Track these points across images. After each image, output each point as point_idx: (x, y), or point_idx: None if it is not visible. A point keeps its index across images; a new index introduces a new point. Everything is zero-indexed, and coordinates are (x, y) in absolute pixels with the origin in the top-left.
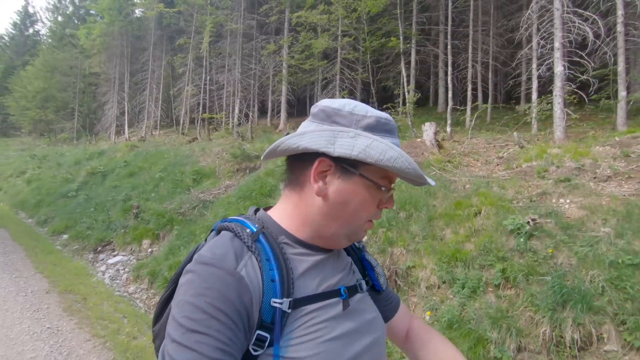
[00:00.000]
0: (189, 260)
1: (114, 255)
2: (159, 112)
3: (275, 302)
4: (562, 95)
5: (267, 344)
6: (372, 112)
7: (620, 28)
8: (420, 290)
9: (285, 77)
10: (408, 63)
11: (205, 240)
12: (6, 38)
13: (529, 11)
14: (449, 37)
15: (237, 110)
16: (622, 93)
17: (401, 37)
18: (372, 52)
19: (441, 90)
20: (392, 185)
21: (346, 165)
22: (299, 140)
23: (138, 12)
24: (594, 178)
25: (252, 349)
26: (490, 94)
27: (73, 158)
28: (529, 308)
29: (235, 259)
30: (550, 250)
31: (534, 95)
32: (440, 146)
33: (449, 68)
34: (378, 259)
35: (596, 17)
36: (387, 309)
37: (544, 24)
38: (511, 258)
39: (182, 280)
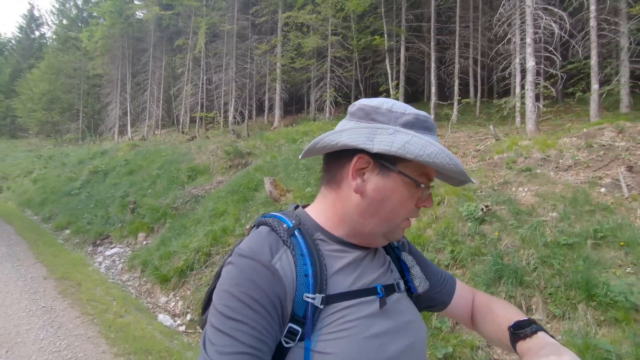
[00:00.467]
0: (231, 254)
1: (111, 248)
2: (160, 112)
3: (307, 297)
4: (533, 89)
5: (298, 337)
6: (410, 110)
7: (592, 23)
8: None
9: (279, 76)
10: (397, 60)
11: (248, 234)
12: (13, 42)
13: (500, 9)
14: (432, 33)
15: (232, 109)
16: (594, 86)
17: (385, 35)
18: (362, 50)
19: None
20: (431, 183)
21: (385, 162)
22: (337, 137)
23: (139, 13)
24: (556, 167)
25: (284, 340)
26: (479, 88)
27: (77, 158)
28: (470, 284)
29: (270, 252)
30: (496, 234)
31: (517, 89)
32: None
33: (432, 64)
34: None
35: (563, 14)
36: (443, 294)
37: (516, 20)
38: (463, 241)
39: (222, 271)
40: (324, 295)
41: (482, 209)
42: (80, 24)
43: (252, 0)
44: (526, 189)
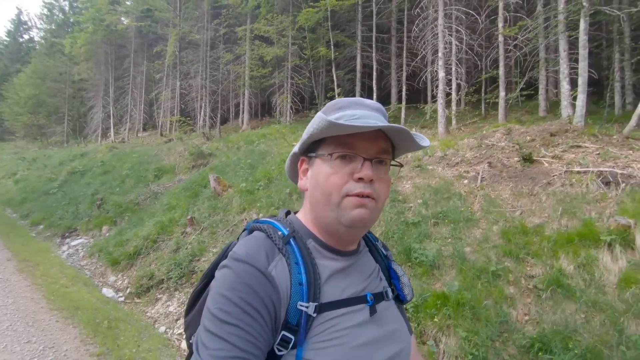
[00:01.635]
0: (222, 256)
1: (77, 239)
2: (142, 115)
3: (301, 306)
4: (443, 97)
5: (291, 345)
6: (330, 102)
7: (500, 38)
8: None
9: (247, 82)
10: (353, 68)
11: (238, 239)
12: (1, 46)
13: (414, 27)
14: (373, 44)
15: (202, 114)
16: (501, 93)
17: (332, 46)
18: (320, 59)
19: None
20: (355, 150)
21: (310, 154)
22: (292, 151)
23: (120, 20)
24: (447, 164)
25: (277, 348)
26: (404, 95)
27: (58, 159)
28: None
29: (266, 258)
30: None
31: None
32: None
33: (374, 73)
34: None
35: (464, 30)
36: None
37: (428, 36)
38: None
39: (217, 274)
40: (317, 303)
41: None
42: (67, 29)
43: (221, 11)
44: (410, 182)
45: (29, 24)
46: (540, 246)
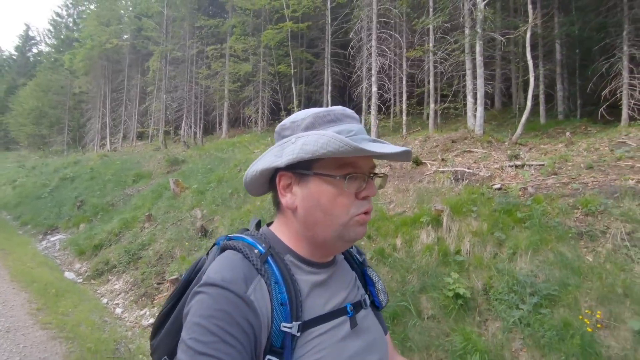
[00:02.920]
0: (192, 275)
1: (56, 235)
2: (135, 125)
3: (285, 327)
4: (375, 109)
5: None
6: (311, 112)
7: (431, 56)
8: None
9: (227, 95)
10: (322, 82)
11: (207, 254)
12: (9, 61)
13: (348, 49)
14: (327, 60)
15: (184, 124)
16: (431, 105)
17: (292, 62)
18: (287, 74)
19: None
20: (359, 169)
21: (301, 170)
22: (256, 166)
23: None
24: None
25: None
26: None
27: (53, 167)
28: None
29: (245, 282)
30: None
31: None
32: None
33: (329, 87)
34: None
35: (390, 50)
36: (382, 323)
37: (363, 55)
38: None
39: (192, 301)
40: (300, 322)
41: None
42: (73, 44)
43: (202, 30)
44: None
45: (37, 38)
46: (388, 228)
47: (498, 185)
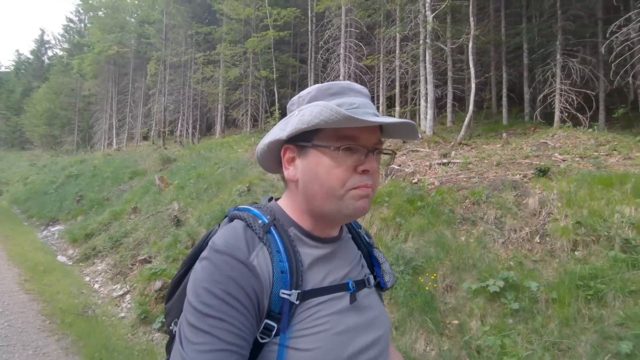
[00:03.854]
0: (203, 244)
1: (56, 226)
2: (140, 126)
3: (284, 293)
4: None
5: (274, 333)
6: (315, 86)
7: (397, 62)
8: (194, 225)
9: (220, 97)
10: (307, 85)
11: (219, 225)
12: (25, 64)
13: (318, 56)
14: (311, 67)
15: (179, 125)
16: (396, 108)
17: (274, 68)
18: (276, 78)
19: None
20: (358, 142)
21: (302, 142)
22: (263, 140)
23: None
24: None
25: (260, 336)
26: None
27: (61, 165)
28: None
29: (247, 248)
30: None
31: None
32: None
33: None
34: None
35: (354, 57)
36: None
37: (331, 62)
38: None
39: (197, 266)
40: (299, 291)
41: (248, 187)
42: (83, 48)
43: (200, 37)
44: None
45: (52, 42)
46: None
47: (415, 180)
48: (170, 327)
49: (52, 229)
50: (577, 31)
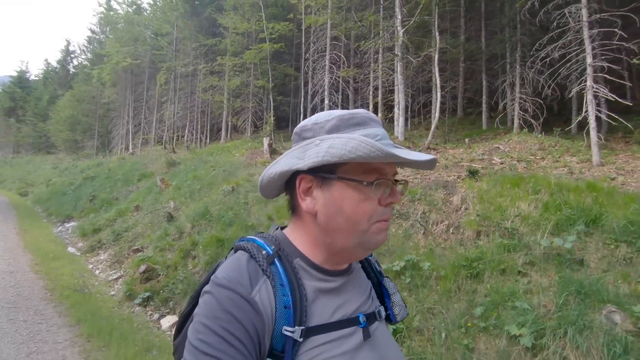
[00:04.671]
0: (209, 276)
1: (71, 222)
2: (155, 131)
3: (286, 330)
4: None
5: None
6: (335, 114)
7: (380, 72)
8: (183, 220)
9: (226, 105)
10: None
11: (226, 257)
12: (52, 73)
13: (304, 67)
14: (302, 75)
15: (187, 131)
16: (379, 114)
17: (270, 78)
18: (274, 87)
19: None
20: (385, 176)
21: (324, 174)
22: (274, 168)
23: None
24: None
25: None
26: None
27: (80, 168)
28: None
29: (250, 283)
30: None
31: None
32: (272, 152)
33: (302, 99)
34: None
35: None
36: None
37: (317, 73)
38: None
39: (200, 301)
40: (303, 327)
41: (232, 187)
42: (103, 59)
43: (206, 49)
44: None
45: (76, 52)
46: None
47: None
48: None
49: (67, 225)
50: (534, 43)
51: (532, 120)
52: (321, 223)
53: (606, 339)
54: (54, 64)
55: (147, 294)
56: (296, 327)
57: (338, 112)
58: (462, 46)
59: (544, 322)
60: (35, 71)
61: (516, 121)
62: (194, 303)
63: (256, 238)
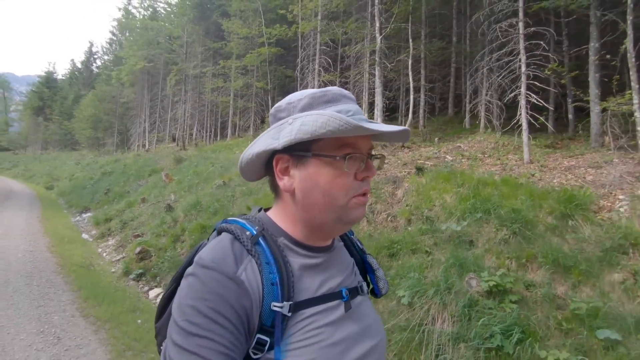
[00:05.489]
0: (190, 259)
1: (87, 213)
2: (168, 129)
3: (275, 306)
4: None
5: (267, 347)
6: (307, 93)
7: (366, 74)
8: (178, 211)
9: (231, 105)
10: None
11: (208, 239)
12: (77, 73)
13: (295, 71)
14: (297, 78)
15: (195, 129)
16: (365, 115)
17: (268, 81)
18: (275, 88)
19: None
20: (359, 150)
21: (299, 152)
22: (252, 149)
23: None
24: None
25: (252, 352)
26: None
27: (100, 164)
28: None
29: (235, 262)
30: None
31: None
32: None
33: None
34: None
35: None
36: None
37: (307, 77)
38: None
39: (183, 283)
40: (291, 302)
41: (224, 182)
42: (122, 60)
43: (213, 51)
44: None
45: (99, 54)
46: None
47: None
48: (161, 348)
49: (84, 215)
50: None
51: (495, 121)
52: (299, 200)
53: (462, 298)
54: (79, 64)
55: (140, 271)
56: (284, 303)
57: (310, 91)
58: (438, 51)
59: (422, 287)
60: (62, 71)
61: (482, 122)
62: (174, 285)
63: (239, 220)
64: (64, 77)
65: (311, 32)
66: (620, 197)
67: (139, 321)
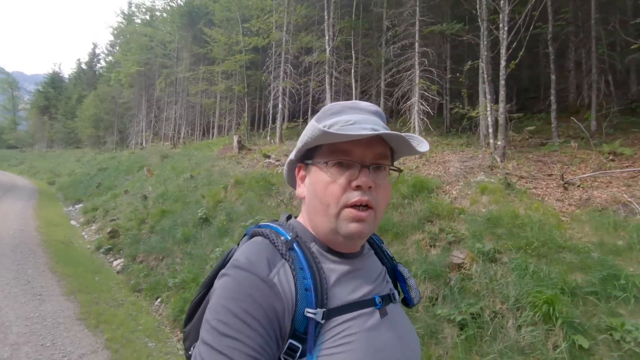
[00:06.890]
0: (222, 263)
1: (79, 204)
2: (163, 128)
3: (309, 312)
4: (281, 120)
5: (299, 354)
6: (326, 107)
7: (327, 82)
8: (150, 199)
9: (218, 106)
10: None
11: (238, 244)
12: (81, 74)
13: (262, 77)
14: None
15: (183, 129)
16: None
17: (245, 84)
18: (253, 91)
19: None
20: (351, 157)
21: (305, 161)
22: (287, 159)
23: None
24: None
25: (284, 358)
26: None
27: (98, 161)
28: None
29: (268, 266)
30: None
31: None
32: (241, 148)
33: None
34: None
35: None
36: None
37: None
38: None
39: (216, 283)
40: (325, 309)
41: (221, 184)
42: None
43: (201, 56)
44: (218, 167)
45: (102, 55)
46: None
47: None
48: (190, 352)
49: (76, 206)
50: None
51: (429, 123)
52: (307, 206)
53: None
54: (84, 65)
55: (109, 246)
56: (318, 309)
57: (329, 105)
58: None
59: None
60: (69, 71)
61: (416, 125)
62: (205, 290)
63: (273, 225)
64: (70, 77)
65: (274, 42)
66: (460, 183)
67: (97, 278)
